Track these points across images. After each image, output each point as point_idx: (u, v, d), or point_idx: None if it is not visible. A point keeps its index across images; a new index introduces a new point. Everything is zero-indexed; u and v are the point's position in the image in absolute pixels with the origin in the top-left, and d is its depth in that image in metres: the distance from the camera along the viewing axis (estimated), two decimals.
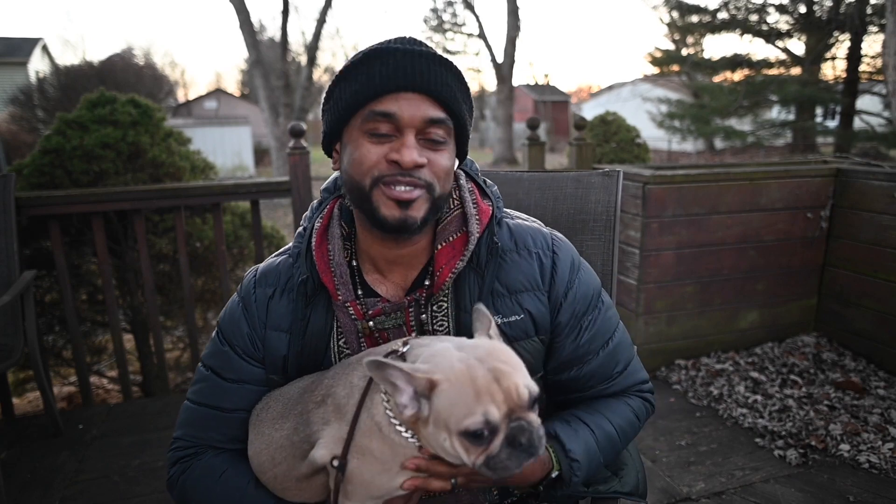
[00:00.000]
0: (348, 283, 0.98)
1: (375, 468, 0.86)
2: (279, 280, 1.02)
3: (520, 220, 1.07)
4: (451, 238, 0.98)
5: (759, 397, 2.78)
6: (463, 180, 1.03)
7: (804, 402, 2.71)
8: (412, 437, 0.84)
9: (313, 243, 0.98)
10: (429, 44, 0.94)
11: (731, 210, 3.09)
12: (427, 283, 0.99)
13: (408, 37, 0.93)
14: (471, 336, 0.89)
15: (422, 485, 0.86)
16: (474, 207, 0.99)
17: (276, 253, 1.09)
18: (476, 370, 0.78)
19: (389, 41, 0.92)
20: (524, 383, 0.79)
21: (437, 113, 0.90)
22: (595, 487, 1.06)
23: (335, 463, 0.87)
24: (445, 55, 0.93)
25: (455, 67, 0.93)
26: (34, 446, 2.52)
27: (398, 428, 0.84)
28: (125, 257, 3.23)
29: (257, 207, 3.04)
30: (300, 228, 1.04)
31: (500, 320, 0.98)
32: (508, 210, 1.10)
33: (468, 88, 0.96)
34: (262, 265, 1.07)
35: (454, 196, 1.01)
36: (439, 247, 0.97)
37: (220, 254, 2.98)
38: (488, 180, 1.08)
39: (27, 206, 2.62)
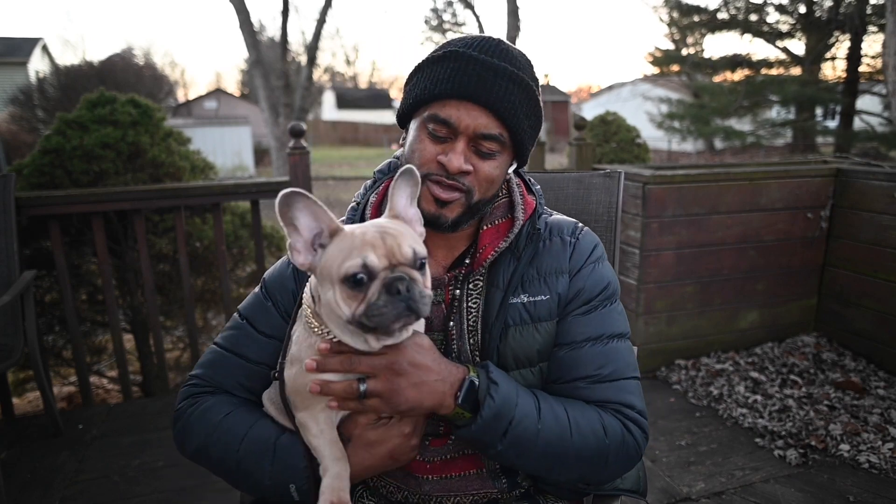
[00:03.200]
0: None
1: (304, 372, 0.88)
2: None
3: (557, 216, 1.13)
4: (496, 222, 1.06)
5: (759, 397, 2.78)
6: (511, 175, 1.11)
7: (804, 402, 2.71)
8: (325, 331, 0.87)
9: (368, 215, 1.06)
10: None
11: (731, 210, 3.09)
12: (467, 261, 1.05)
13: (494, 40, 0.97)
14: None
15: (323, 387, 0.86)
16: (521, 199, 1.07)
17: None
18: (366, 228, 0.83)
19: (474, 43, 0.97)
20: (409, 244, 0.81)
21: (492, 129, 0.95)
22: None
23: (275, 375, 0.94)
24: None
25: (526, 83, 0.96)
26: (34, 446, 2.52)
27: (310, 321, 0.88)
28: (125, 257, 3.23)
29: (257, 207, 3.04)
30: (353, 203, 1.11)
31: (526, 299, 1.02)
32: (548, 208, 1.16)
33: (538, 104, 1.00)
34: None
35: (503, 188, 1.09)
36: (485, 227, 1.05)
37: (220, 254, 2.98)
38: (532, 179, 1.16)
39: (27, 206, 2.62)
